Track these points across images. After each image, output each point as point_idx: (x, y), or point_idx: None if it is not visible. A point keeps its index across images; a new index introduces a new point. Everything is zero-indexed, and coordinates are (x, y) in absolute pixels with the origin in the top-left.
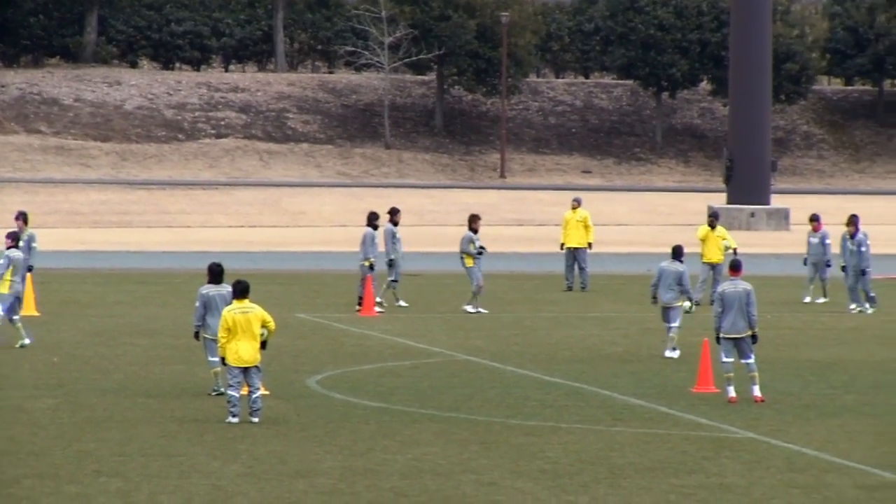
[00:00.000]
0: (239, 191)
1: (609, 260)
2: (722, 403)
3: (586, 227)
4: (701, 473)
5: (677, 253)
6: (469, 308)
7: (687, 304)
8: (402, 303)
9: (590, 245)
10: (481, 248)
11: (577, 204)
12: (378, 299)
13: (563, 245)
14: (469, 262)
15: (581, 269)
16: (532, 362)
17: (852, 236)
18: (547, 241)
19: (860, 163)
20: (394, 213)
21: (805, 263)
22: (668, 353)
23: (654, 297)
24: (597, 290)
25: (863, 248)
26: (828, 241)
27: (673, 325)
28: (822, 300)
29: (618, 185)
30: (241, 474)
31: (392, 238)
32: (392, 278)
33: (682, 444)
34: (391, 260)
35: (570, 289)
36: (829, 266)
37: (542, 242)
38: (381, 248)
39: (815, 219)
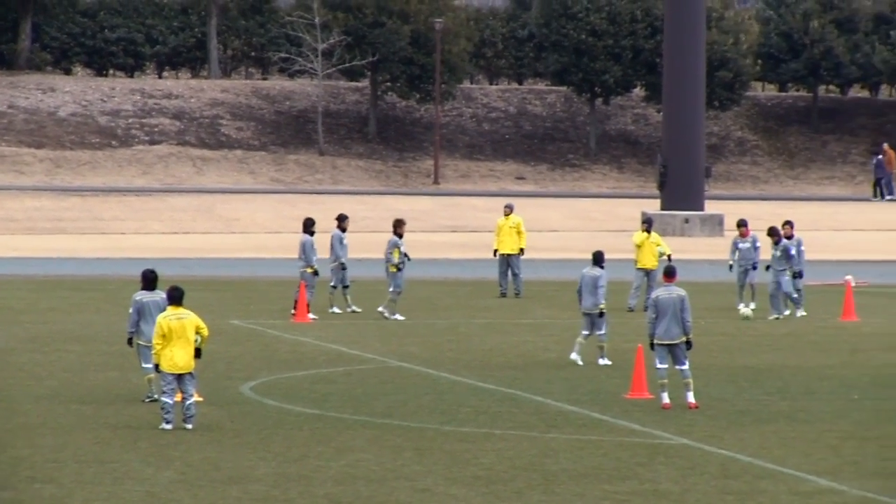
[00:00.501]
0: (173, 197)
1: (542, 266)
2: (656, 409)
3: (519, 232)
4: (635, 480)
5: (597, 259)
6: (397, 316)
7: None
8: (335, 309)
9: (522, 251)
10: (405, 255)
11: (509, 210)
12: (351, 308)
13: (496, 251)
14: (392, 268)
15: (514, 275)
16: (466, 368)
17: (776, 243)
18: (481, 248)
19: (795, 169)
20: (342, 220)
21: (731, 270)
22: (599, 360)
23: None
24: (530, 297)
25: (792, 253)
26: (758, 245)
27: (599, 332)
28: (752, 306)
29: (551, 191)
30: (174, 481)
31: (339, 244)
32: (333, 284)
33: (615, 450)
34: (342, 264)
35: (503, 295)
36: (755, 269)
37: (475, 248)
38: (320, 254)
39: (742, 224)
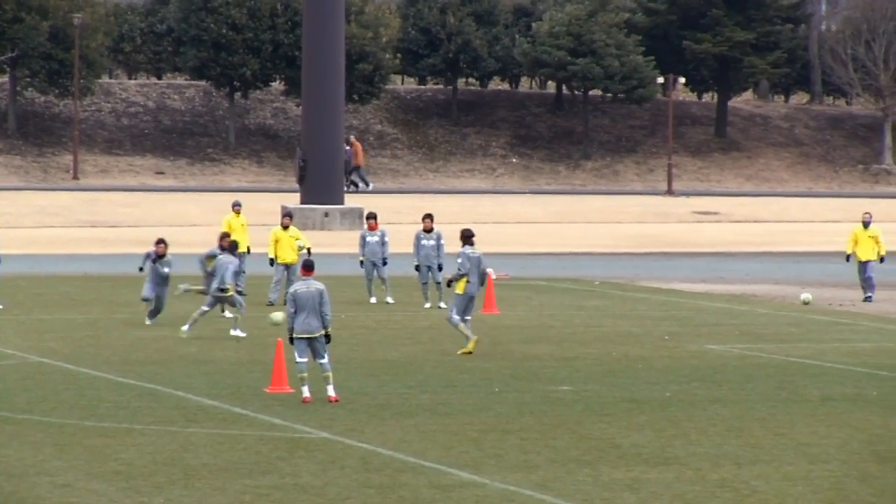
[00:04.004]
0: None
1: (182, 261)
2: (297, 403)
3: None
4: (276, 474)
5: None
6: None
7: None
8: None
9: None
10: None
11: (239, 208)
12: None
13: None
14: None
15: (243, 271)
16: (106, 364)
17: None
18: (120, 243)
19: (434, 162)
20: None
21: (361, 265)
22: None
23: None
24: (170, 292)
25: (435, 242)
26: (386, 240)
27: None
28: (390, 300)
29: (191, 185)
30: None
31: None
32: None
33: (256, 444)
34: None
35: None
36: (385, 264)
37: (115, 244)
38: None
39: (371, 217)
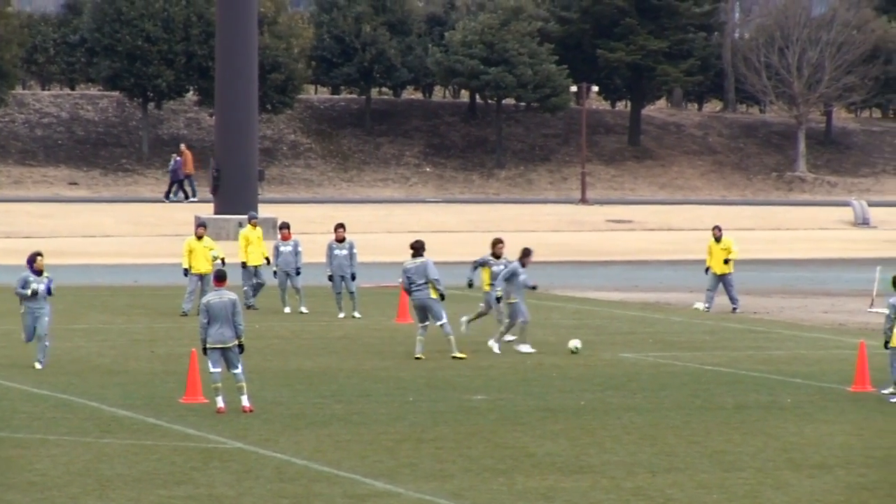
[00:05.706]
0: None
1: (96, 271)
2: (211, 414)
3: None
4: (190, 484)
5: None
6: None
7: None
8: None
9: (267, 261)
10: None
11: (255, 221)
12: None
13: (244, 263)
14: None
15: (261, 284)
16: (20, 374)
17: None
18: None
19: (348, 171)
20: None
21: (275, 275)
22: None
23: None
24: (84, 302)
25: (347, 252)
26: (300, 249)
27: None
28: (304, 310)
29: (104, 196)
30: None
31: None
32: None
33: (170, 455)
34: None
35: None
36: (298, 274)
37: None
38: None
39: (284, 227)
